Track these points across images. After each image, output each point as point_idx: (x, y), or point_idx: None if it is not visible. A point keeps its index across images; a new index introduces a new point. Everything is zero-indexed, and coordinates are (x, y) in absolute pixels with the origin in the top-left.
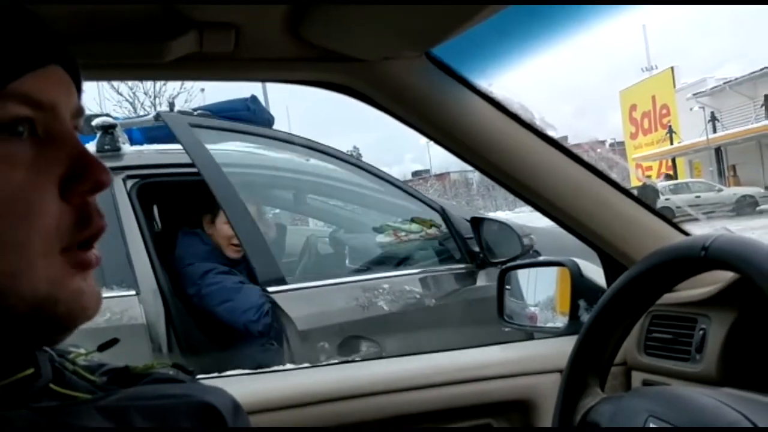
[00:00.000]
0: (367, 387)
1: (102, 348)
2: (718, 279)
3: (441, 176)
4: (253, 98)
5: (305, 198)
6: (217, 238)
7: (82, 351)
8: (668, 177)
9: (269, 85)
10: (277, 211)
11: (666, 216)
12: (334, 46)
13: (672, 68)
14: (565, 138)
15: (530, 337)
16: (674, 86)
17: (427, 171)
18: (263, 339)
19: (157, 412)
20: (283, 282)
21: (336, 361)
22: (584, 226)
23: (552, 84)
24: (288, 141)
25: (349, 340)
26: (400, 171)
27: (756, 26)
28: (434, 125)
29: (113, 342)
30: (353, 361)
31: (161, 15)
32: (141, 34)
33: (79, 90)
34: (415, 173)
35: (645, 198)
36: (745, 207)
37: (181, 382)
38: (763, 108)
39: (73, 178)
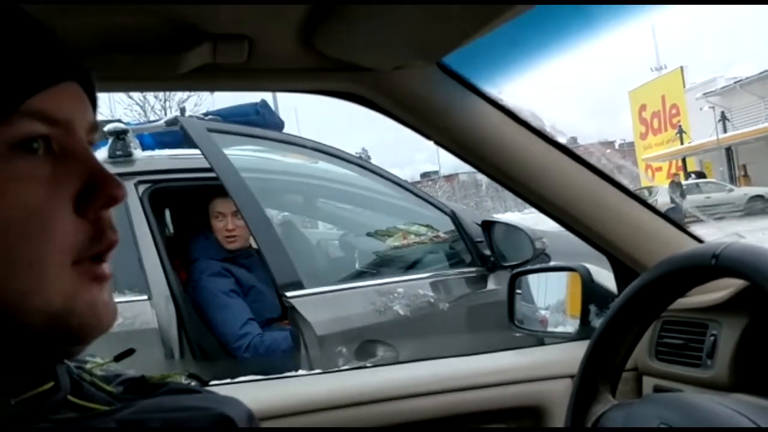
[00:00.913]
0: (378, 393)
1: (118, 358)
2: (730, 284)
3: (450, 177)
4: (263, 103)
5: (316, 201)
6: (214, 233)
7: (99, 361)
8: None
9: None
10: (287, 213)
11: (676, 221)
12: (346, 57)
13: (681, 68)
14: (575, 139)
15: (541, 341)
16: (684, 86)
17: (436, 172)
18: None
19: (175, 425)
20: (300, 286)
21: (349, 366)
22: (594, 231)
23: (561, 85)
24: (300, 145)
25: (365, 344)
26: (411, 171)
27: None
28: (445, 133)
29: (129, 352)
30: (365, 367)
31: (176, 28)
32: (156, 47)
33: (94, 106)
34: (424, 174)
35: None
36: (756, 207)
37: (197, 392)
38: None
39: (88, 194)
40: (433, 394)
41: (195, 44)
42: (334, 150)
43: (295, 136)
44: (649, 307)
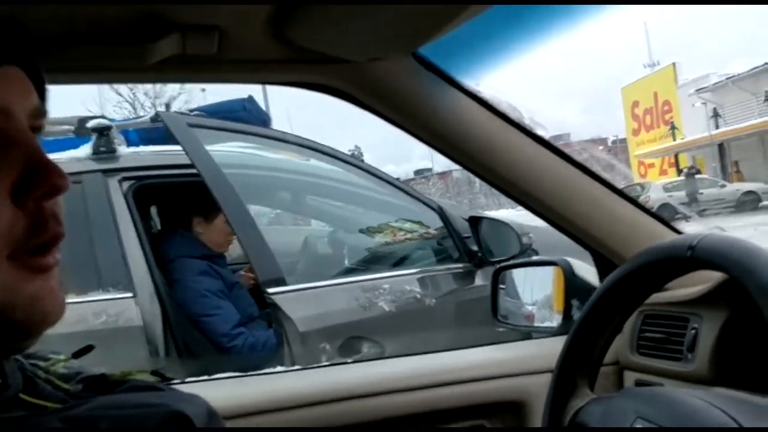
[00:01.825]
0: (358, 389)
1: (77, 355)
2: (711, 277)
3: (443, 175)
4: (250, 98)
5: (305, 198)
6: (203, 234)
7: (62, 358)
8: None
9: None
10: (278, 211)
11: (658, 214)
12: (320, 48)
13: (674, 64)
14: (568, 135)
15: (527, 336)
16: (676, 82)
17: (430, 169)
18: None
19: (127, 422)
20: (283, 282)
21: (330, 362)
22: (575, 225)
23: (554, 82)
24: (285, 141)
25: (349, 340)
26: (405, 169)
27: (764, 22)
28: (422, 126)
29: (88, 349)
30: (344, 363)
31: (143, 18)
32: (123, 37)
33: (40, 90)
34: (418, 172)
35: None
36: (748, 203)
37: (158, 389)
38: (766, 103)
39: (27, 183)
40: (412, 389)
41: (163, 35)
42: (320, 145)
43: (280, 131)
44: (626, 300)
